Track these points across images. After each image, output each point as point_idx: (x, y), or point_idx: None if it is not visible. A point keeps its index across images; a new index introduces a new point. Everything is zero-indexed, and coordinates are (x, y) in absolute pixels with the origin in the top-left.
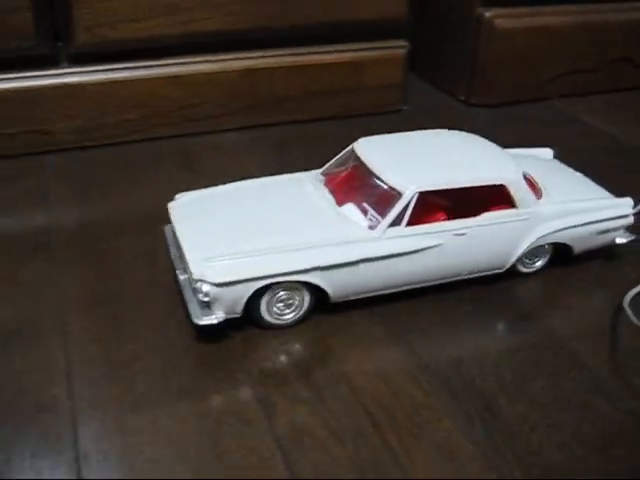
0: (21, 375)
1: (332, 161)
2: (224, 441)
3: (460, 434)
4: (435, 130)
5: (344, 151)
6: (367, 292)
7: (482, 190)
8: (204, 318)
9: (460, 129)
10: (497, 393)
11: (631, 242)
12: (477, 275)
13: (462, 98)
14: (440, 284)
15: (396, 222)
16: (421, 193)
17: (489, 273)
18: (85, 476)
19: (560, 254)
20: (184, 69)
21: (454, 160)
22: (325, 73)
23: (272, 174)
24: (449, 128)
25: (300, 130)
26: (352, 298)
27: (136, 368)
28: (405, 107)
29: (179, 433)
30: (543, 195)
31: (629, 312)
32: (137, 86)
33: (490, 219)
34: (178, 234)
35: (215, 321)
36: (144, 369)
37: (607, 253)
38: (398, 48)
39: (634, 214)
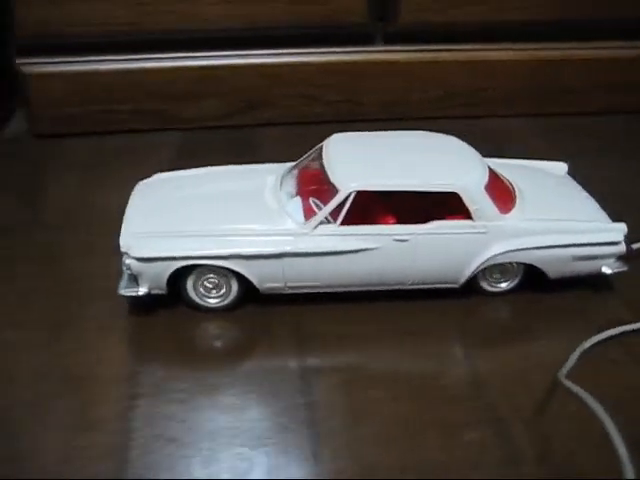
0: None
1: (305, 155)
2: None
3: None
4: (416, 132)
5: (318, 145)
6: (299, 288)
7: (435, 197)
8: (127, 290)
9: None
10: None
11: (618, 273)
12: (427, 286)
13: None
14: None
15: (330, 220)
16: (361, 192)
17: (441, 287)
18: None
19: (535, 277)
20: (482, 55)
21: (413, 163)
22: (612, 68)
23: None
24: None
25: (578, 122)
26: (287, 292)
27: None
28: None
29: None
30: (514, 209)
31: (567, 366)
32: (439, 67)
33: (438, 228)
34: (126, 209)
35: (136, 294)
36: None
37: (599, 282)
38: None
39: (630, 247)
